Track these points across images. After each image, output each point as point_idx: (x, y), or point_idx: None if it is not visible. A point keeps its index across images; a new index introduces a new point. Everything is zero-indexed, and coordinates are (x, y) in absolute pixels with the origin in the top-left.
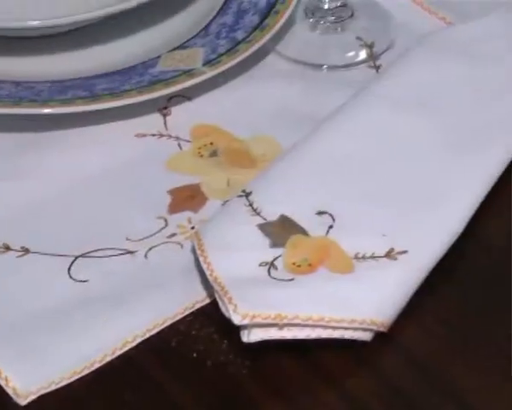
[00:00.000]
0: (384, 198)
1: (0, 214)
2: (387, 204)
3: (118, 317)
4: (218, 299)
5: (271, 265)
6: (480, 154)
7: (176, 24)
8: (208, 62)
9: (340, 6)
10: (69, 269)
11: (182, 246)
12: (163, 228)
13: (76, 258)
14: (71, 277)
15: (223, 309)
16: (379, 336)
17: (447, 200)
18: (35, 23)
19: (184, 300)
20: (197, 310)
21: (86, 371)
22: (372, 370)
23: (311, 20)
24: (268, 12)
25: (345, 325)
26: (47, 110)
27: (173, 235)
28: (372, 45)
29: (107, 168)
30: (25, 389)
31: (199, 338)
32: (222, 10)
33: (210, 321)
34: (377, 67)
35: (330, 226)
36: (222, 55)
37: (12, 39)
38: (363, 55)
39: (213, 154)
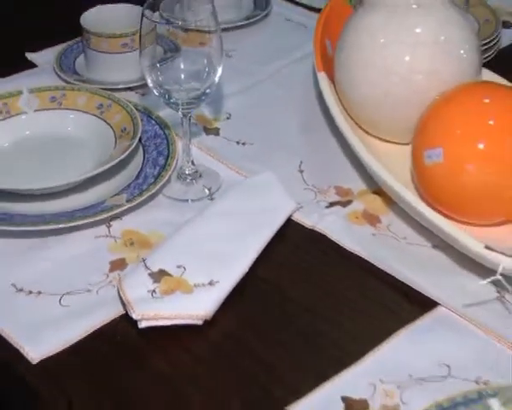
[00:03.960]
0: (209, 256)
1: None
2: (211, 258)
3: (84, 321)
4: (127, 308)
5: (153, 291)
6: (261, 230)
7: (112, 183)
8: (128, 201)
9: (194, 172)
10: (60, 300)
11: (114, 286)
12: (106, 278)
13: (63, 295)
14: (60, 304)
15: (129, 312)
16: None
17: (241, 253)
18: (38, 186)
19: (115, 310)
20: (121, 316)
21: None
22: None
23: (181, 179)
24: (158, 176)
25: (186, 317)
26: (50, 227)
27: (111, 282)
28: (210, 189)
29: (77, 254)
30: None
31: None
32: (137, 177)
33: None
34: (212, 199)
35: (183, 271)
36: (135, 196)
37: (17, 195)
38: (206, 193)
39: (131, 243)
